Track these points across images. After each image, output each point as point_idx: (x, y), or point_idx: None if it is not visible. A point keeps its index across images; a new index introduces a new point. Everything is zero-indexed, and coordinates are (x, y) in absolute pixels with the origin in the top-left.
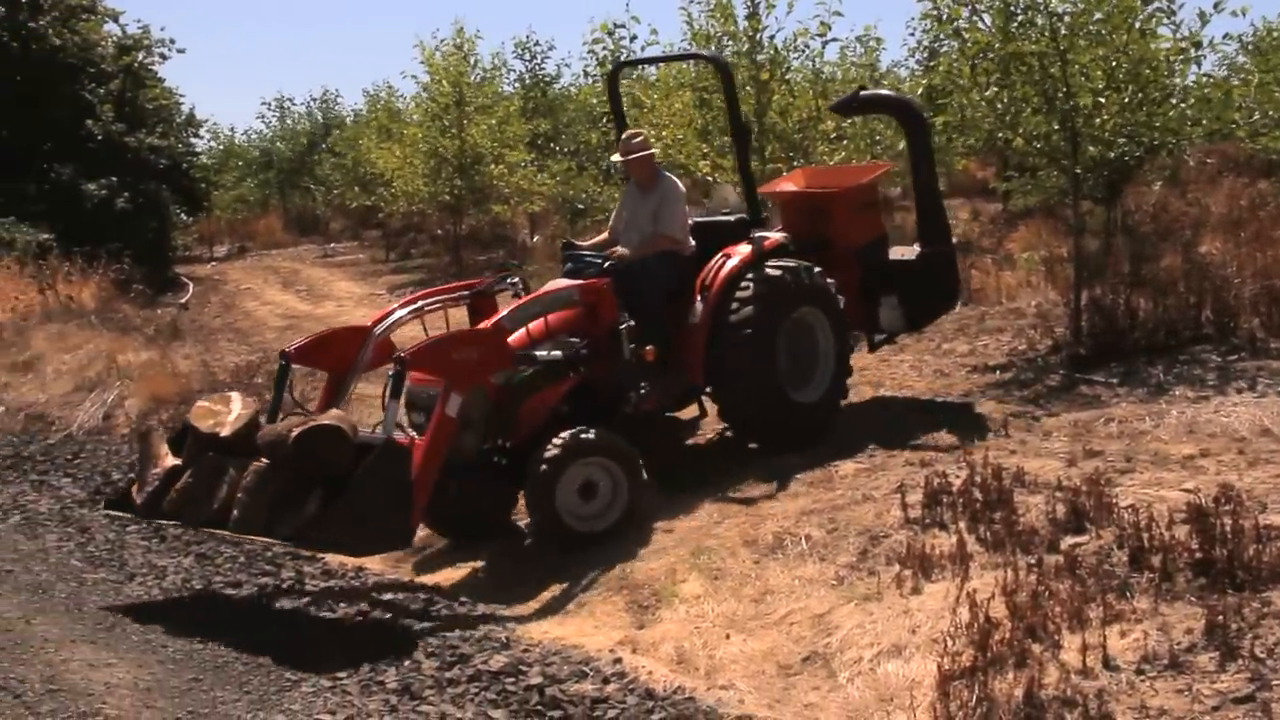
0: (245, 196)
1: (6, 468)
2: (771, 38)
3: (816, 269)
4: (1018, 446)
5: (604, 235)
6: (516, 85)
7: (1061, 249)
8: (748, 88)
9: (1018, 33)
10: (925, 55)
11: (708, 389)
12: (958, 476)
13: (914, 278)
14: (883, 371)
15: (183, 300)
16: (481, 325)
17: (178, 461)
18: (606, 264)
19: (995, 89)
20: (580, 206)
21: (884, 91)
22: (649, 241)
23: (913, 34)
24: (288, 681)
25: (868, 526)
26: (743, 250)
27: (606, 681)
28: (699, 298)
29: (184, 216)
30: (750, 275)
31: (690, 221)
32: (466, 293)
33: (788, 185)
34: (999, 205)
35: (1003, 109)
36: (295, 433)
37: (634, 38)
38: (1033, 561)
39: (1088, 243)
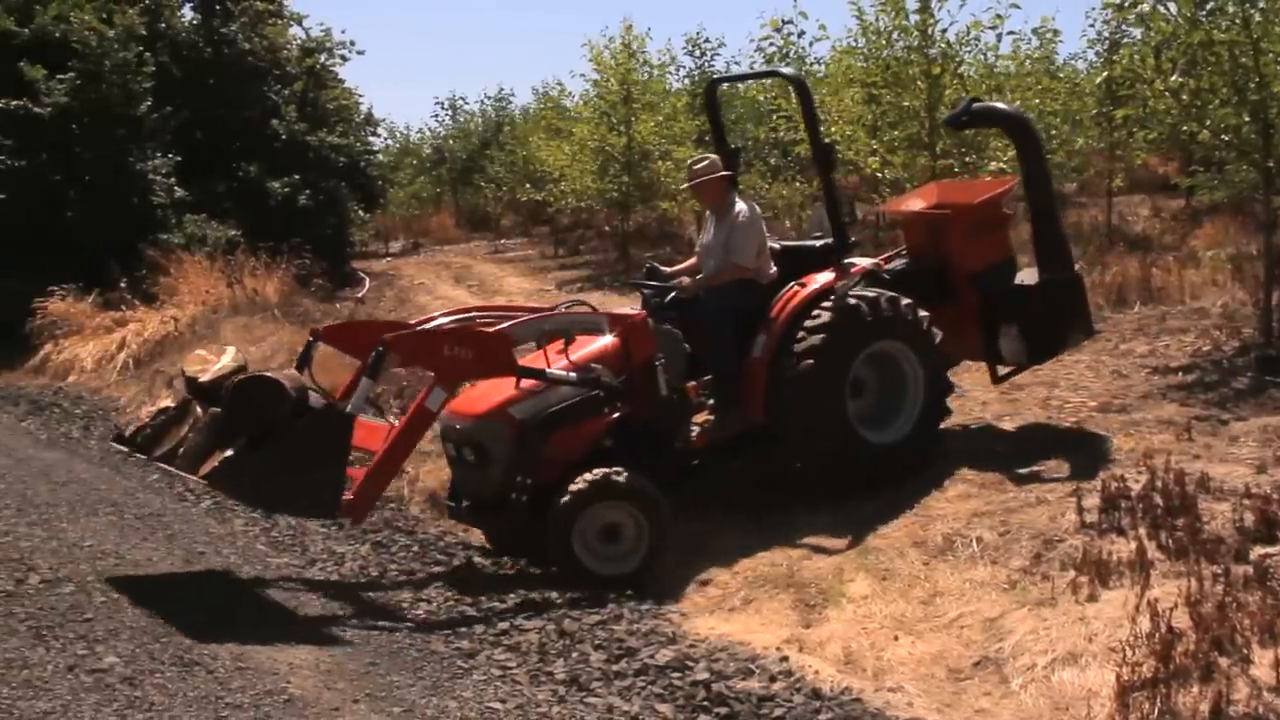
0: (419, 194)
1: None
2: (944, 31)
3: (905, 300)
4: (1202, 451)
5: (692, 260)
6: (686, 81)
7: (1250, 246)
8: (919, 82)
9: (1207, 20)
10: (1105, 47)
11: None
12: (1137, 481)
13: (1034, 306)
14: (1057, 372)
15: (360, 294)
16: (489, 329)
17: (170, 403)
18: (668, 297)
19: (1181, 80)
20: None
21: (997, 105)
22: (718, 271)
23: (1092, 25)
24: (459, 669)
25: (1041, 530)
26: (820, 278)
27: (773, 679)
28: (765, 329)
29: (361, 213)
30: (821, 305)
31: (777, 246)
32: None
33: (914, 203)
34: (1181, 201)
35: (1188, 100)
36: (235, 380)
37: (802, 33)
38: (1219, 571)
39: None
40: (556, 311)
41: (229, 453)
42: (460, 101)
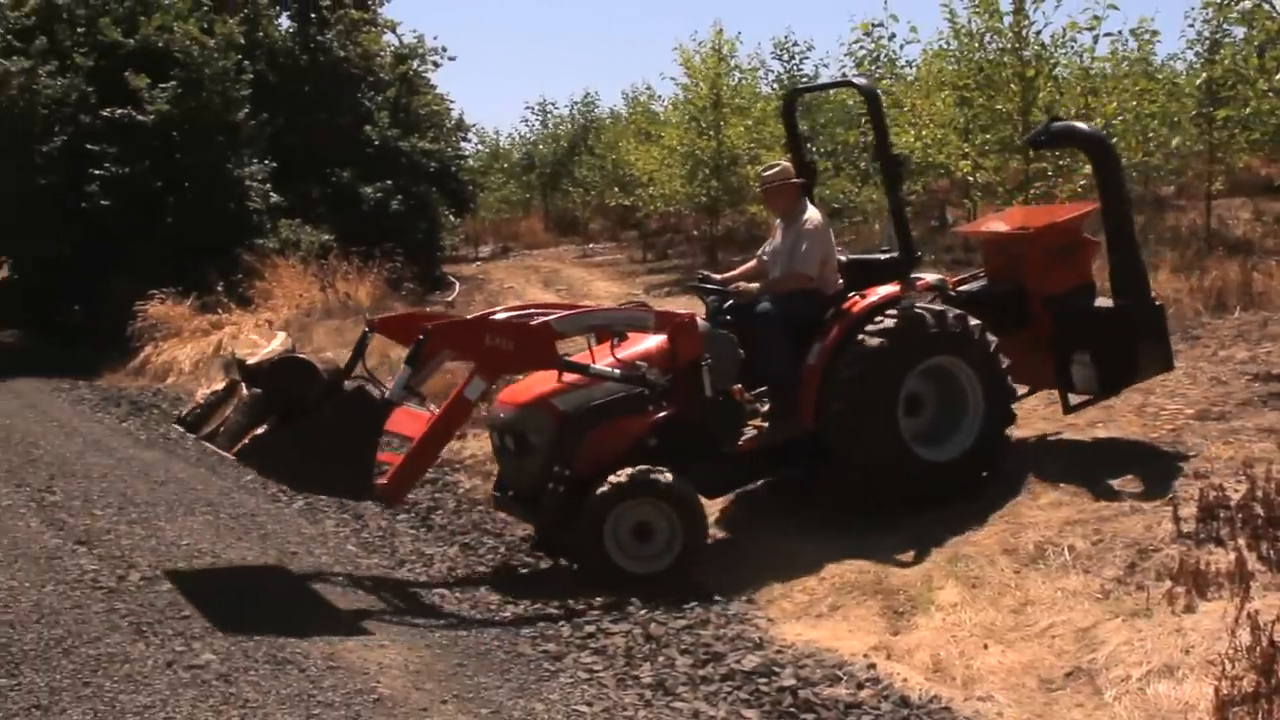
0: (508, 198)
1: None
2: (1038, 33)
3: (966, 316)
4: None
5: (750, 264)
6: (775, 86)
7: None
8: (1012, 85)
9: None
10: (1205, 47)
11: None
12: (1236, 490)
13: (1107, 333)
14: (1153, 379)
15: (449, 298)
16: (532, 321)
17: (221, 385)
18: (728, 301)
19: None
20: (836, 207)
21: (1077, 124)
22: (782, 278)
23: (1191, 24)
24: (546, 671)
25: (1136, 539)
26: (882, 290)
27: (860, 687)
28: (821, 337)
29: (451, 217)
30: (878, 315)
31: (844, 258)
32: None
33: (995, 225)
34: None
35: None
36: (270, 361)
37: (893, 36)
38: None
39: None
40: (604, 307)
41: (259, 431)
42: (550, 107)
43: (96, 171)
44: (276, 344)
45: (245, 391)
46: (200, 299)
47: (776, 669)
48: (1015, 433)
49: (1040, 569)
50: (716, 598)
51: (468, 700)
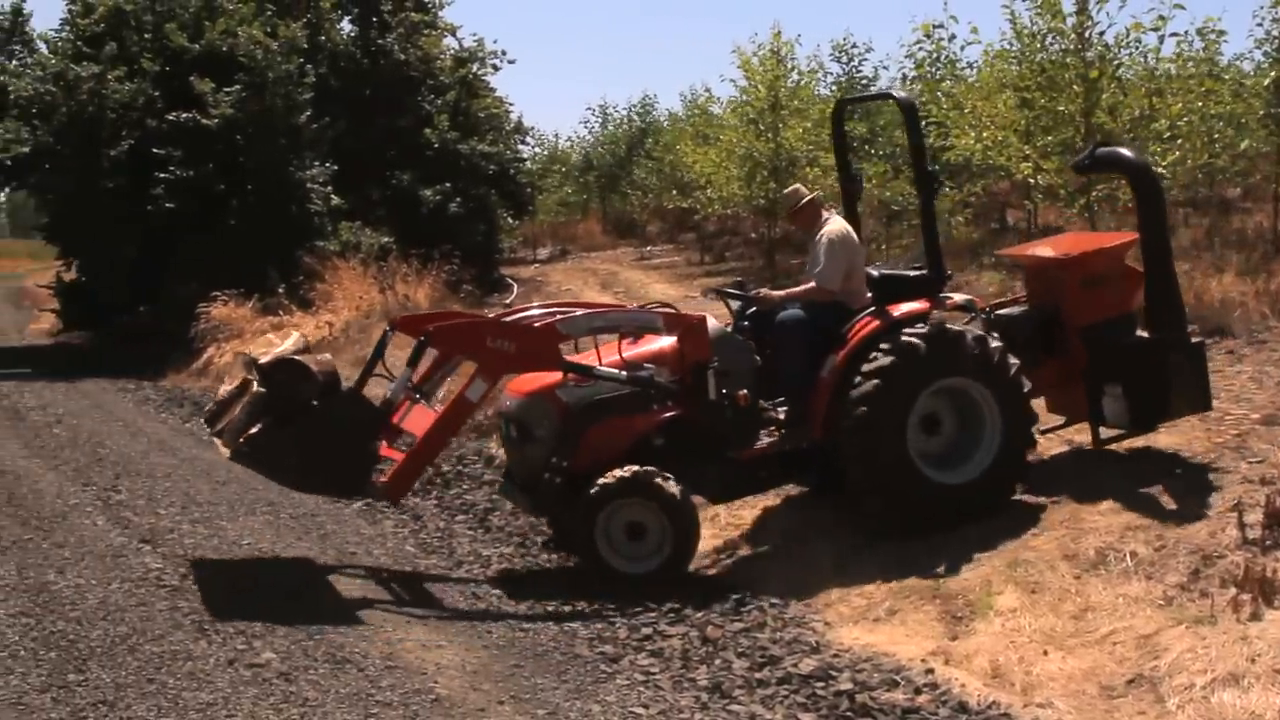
0: (566, 200)
1: None
2: (1101, 33)
3: (986, 337)
4: None
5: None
6: (833, 88)
7: None
8: (1074, 86)
9: None
10: (1274, 46)
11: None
12: None
13: (1140, 367)
14: (1218, 384)
15: (508, 300)
16: (536, 323)
17: (235, 385)
18: (750, 310)
19: None
20: (895, 209)
21: (1121, 151)
22: (800, 290)
23: (1260, 24)
24: (603, 674)
25: (1200, 545)
26: (906, 306)
27: (918, 692)
28: (838, 349)
29: (510, 220)
30: (892, 334)
31: (875, 273)
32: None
33: (1040, 249)
34: None
35: None
36: (266, 361)
37: (953, 37)
38: None
39: None
40: (612, 308)
41: (254, 430)
42: (610, 109)
43: (161, 175)
44: (289, 344)
45: (253, 391)
46: (262, 300)
47: (834, 673)
48: (1075, 436)
49: (1101, 575)
50: (773, 600)
51: (525, 701)
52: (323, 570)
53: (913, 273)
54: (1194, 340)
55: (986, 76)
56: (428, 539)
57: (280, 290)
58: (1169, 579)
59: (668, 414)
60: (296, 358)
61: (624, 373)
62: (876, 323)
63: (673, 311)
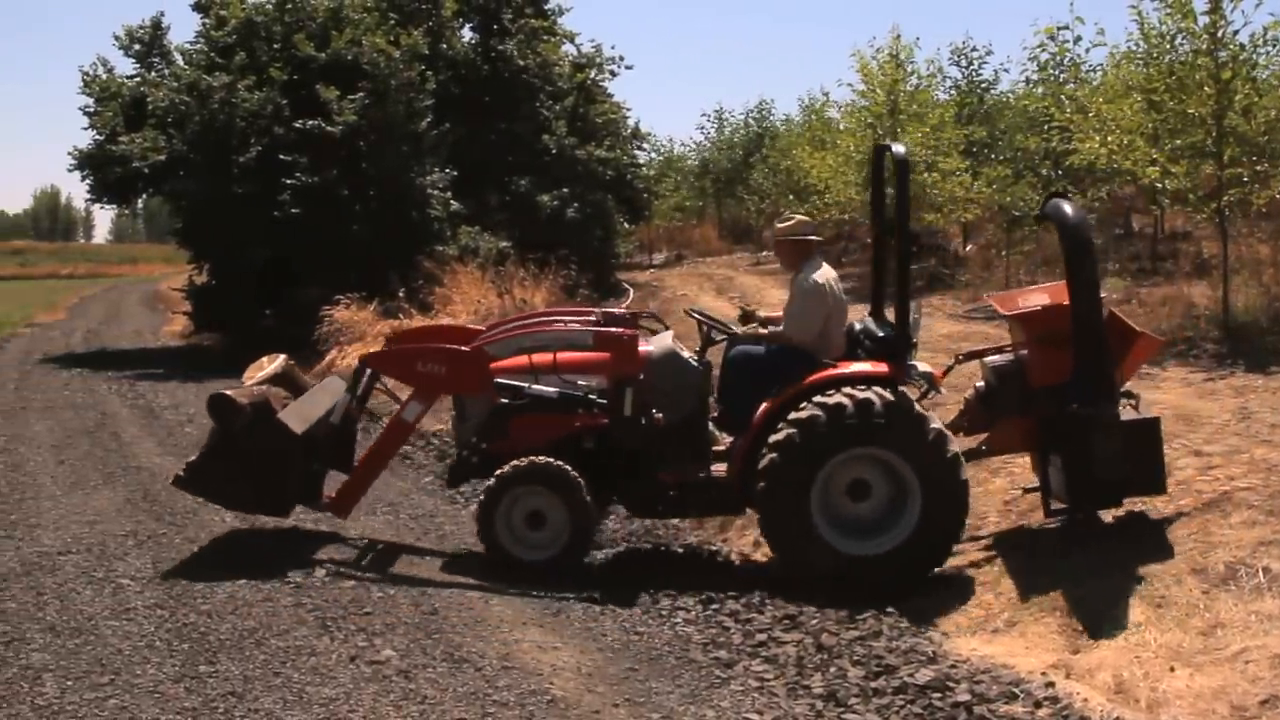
0: (682, 205)
1: None
2: (1235, 33)
3: (918, 410)
4: None
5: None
6: (952, 92)
7: None
8: (1205, 88)
9: None
10: None
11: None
12: None
13: (1073, 440)
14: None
15: (623, 305)
16: (465, 347)
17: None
18: (719, 337)
19: None
20: (1016, 214)
21: (1063, 205)
22: (776, 333)
23: None
24: (717, 679)
25: None
26: (856, 367)
27: (1038, 705)
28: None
29: (626, 225)
30: (815, 397)
31: (859, 325)
32: (595, 314)
33: (1032, 297)
34: None
35: None
36: (209, 396)
37: (1078, 39)
38: None
39: None
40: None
41: (192, 459)
42: (726, 114)
43: (288, 181)
44: (273, 367)
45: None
46: (383, 304)
47: (951, 684)
48: (1203, 446)
49: (1231, 590)
50: (890, 609)
51: (639, 705)
52: (440, 570)
53: (881, 333)
54: (1134, 418)
55: (1112, 79)
56: None
57: (400, 294)
58: None
59: (591, 422)
60: (226, 392)
61: (553, 391)
62: (822, 377)
63: (608, 330)
